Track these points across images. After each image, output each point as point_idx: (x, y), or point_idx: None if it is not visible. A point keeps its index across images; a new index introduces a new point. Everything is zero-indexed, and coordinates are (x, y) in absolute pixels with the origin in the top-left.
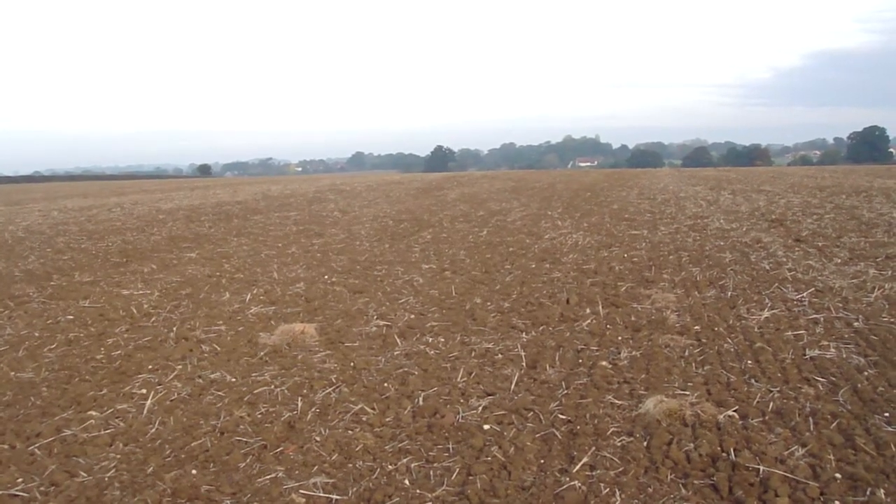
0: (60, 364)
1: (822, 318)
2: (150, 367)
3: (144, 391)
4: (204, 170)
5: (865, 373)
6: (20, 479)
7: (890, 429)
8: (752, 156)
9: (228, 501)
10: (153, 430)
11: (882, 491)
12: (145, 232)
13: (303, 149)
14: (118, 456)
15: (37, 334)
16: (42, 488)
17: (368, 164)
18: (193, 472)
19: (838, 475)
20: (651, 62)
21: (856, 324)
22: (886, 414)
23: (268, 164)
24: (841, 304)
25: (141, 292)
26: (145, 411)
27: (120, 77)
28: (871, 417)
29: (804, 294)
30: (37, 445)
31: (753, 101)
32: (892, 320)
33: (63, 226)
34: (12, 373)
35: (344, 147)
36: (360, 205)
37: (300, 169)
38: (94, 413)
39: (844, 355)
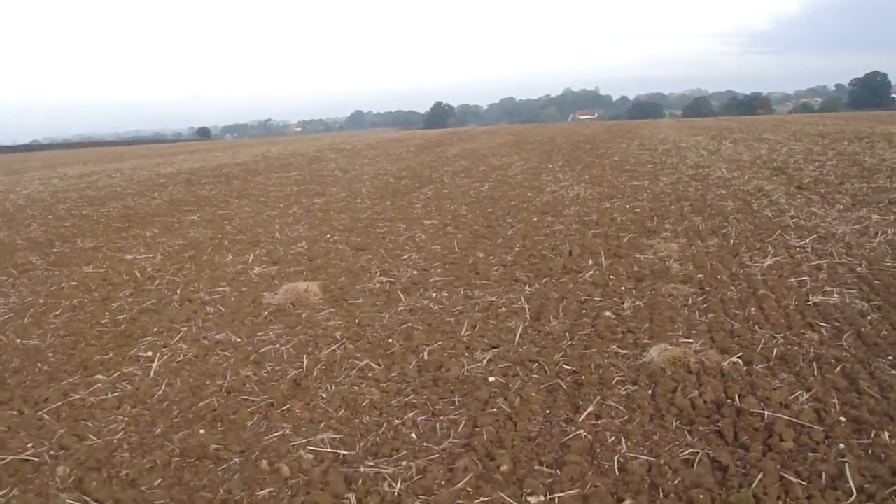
0: (66, 330)
1: (825, 264)
2: (155, 329)
3: (150, 354)
4: (203, 133)
5: (869, 317)
6: (30, 444)
7: (894, 372)
8: (753, 104)
9: (237, 459)
10: (160, 391)
11: (886, 433)
12: (146, 196)
13: (302, 109)
14: (126, 418)
15: (41, 301)
16: (52, 452)
17: (368, 122)
18: (201, 431)
19: (843, 419)
20: (650, 12)
21: (859, 269)
22: (890, 357)
23: (267, 126)
24: (844, 250)
25: (144, 256)
26: (152, 373)
27: (116, 43)
28: (875, 361)
29: (807, 241)
30: (45, 411)
31: (754, 49)
32: (895, 265)
33: (64, 193)
34: (18, 340)
35: (343, 106)
36: (360, 163)
37: (300, 129)
38: (100, 377)
39: (848, 300)
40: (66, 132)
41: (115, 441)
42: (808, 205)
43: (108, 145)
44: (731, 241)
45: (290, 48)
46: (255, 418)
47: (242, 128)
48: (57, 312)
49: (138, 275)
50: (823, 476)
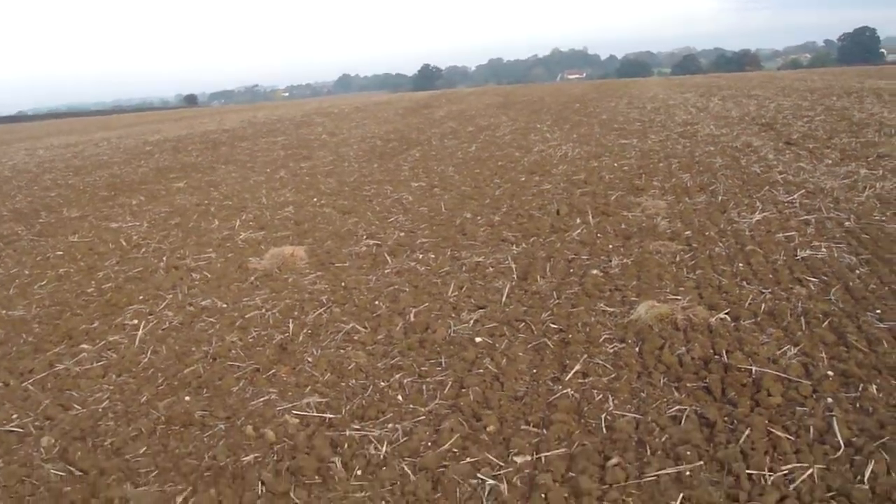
0: (51, 300)
1: (813, 219)
2: (141, 297)
3: (136, 322)
4: (190, 100)
5: (857, 271)
6: (15, 416)
7: (881, 325)
8: (741, 62)
9: (222, 425)
10: (145, 359)
11: (874, 386)
12: (132, 165)
13: (289, 74)
14: (111, 387)
15: (27, 272)
16: (37, 423)
17: (356, 86)
18: (187, 398)
19: (830, 373)
20: None
21: (847, 223)
22: (878, 311)
23: (254, 92)
24: (832, 205)
25: (130, 224)
26: (137, 341)
27: (102, 11)
28: (863, 315)
29: (795, 196)
30: (30, 381)
31: (742, 4)
32: (883, 219)
33: (49, 163)
34: (3, 311)
35: (330, 70)
36: (347, 126)
37: (287, 94)
38: (86, 346)
39: (836, 255)
40: (53, 102)
41: (100, 410)
42: (796, 160)
43: (94, 115)
44: (720, 198)
45: (277, 12)
46: (241, 384)
47: (230, 94)
48: (42, 283)
49: (124, 243)
50: (811, 430)
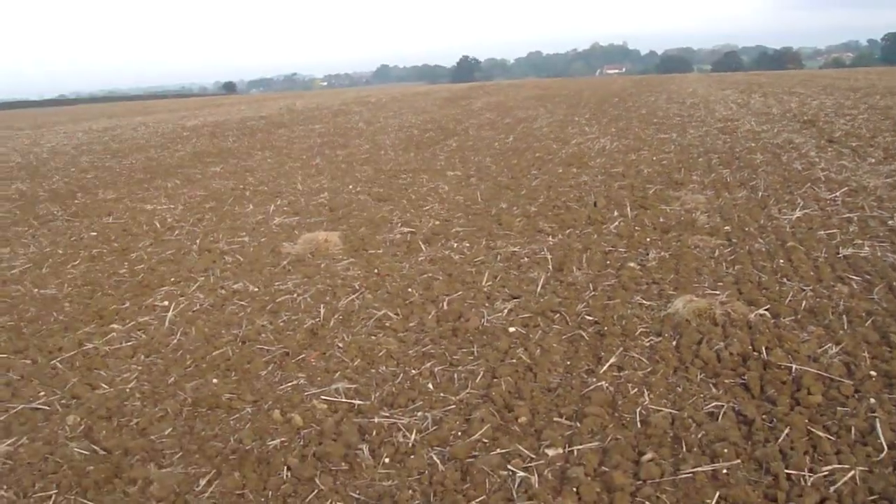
0: (83, 279)
1: (855, 217)
2: (172, 279)
3: (166, 303)
4: (229, 87)
5: None
6: (42, 393)
7: None
8: (783, 60)
9: (249, 409)
10: (175, 341)
11: None
12: (169, 149)
13: (327, 63)
14: (139, 367)
15: (60, 251)
16: (63, 401)
17: (394, 76)
18: (214, 380)
19: (873, 373)
20: None
21: (890, 222)
22: None
23: (293, 80)
24: (875, 203)
25: (164, 207)
26: (167, 323)
27: None
28: None
29: (837, 193)
30: (58, 359)
31: (784, 2)
32: None
33: (87, 146)
34: (35, 289)
35: (369, 60)
36: (385, 116)
37: (325, 83)
38: (116, 326)
39: (879, 253)
40: (93, 88)
41: (127, 390)
42: (838, 158)
43: (133, 100)
44: (760, 194)
45: (318, 1)
46: (270, 368)
47: (268, 82)
48: (75, 263)
49: (158, 225)
50: (853, 431)
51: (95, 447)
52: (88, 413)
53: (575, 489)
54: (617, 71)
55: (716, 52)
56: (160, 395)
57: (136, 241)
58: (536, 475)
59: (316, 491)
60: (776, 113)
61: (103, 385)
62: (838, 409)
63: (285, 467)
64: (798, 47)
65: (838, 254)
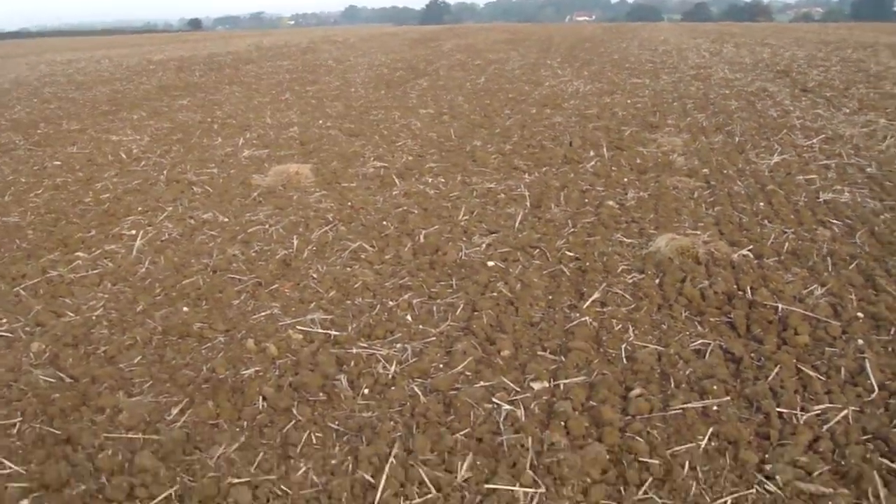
0: (47, 208)
1: (833, 164)
2: (139, 209)
3: (134, 232)
4: (194, 24)
5: (882, 216)
6: (4, 320)
7: None
8: (753, 12)
9: (222, 338)
10: (143, 269)
11: None
12: (134, 82)
13: (295, 2)
14: (106, 295)
15: (23, 180)
16: (27, 328)
17: (362, 17)
18: (185, 309)
19: (860, 314)
20: None
21: (869, 170)
22: None
23: (259, 19)
24: (853, 151)
25: (130, 138)
26: (134, 251)
27: None
28: (892, 259)
29: (814, 140)
30: (22, 286)
31: None
32: None
33: (50, 77)
34: None
35: (337, 0)
36: (354, 55)
37: (293, 22)
38: (81, 254)
39: (859, 199)
40: (55, 21)
41: (93, 318)
42: (813, 107)
43: (97, 34)
44: (737, 139)
45: None
46: (242, 297)
47: (234, 20)
48: (38, 191)
49: (124, 156)
50: (842, 371)
51: (61, 374)
52: (54, 340)
53: (563, 423)
54: (586, 18)
55: (685, 2)
56: (128, 324)
57: (101, 171)
58: (523, 408)
59: (293, 421)
60: (749, 62)
61: (69, 313)
62: (826, 349)
63: (260, 397)
64: (768, 0)
65: (818, 199)
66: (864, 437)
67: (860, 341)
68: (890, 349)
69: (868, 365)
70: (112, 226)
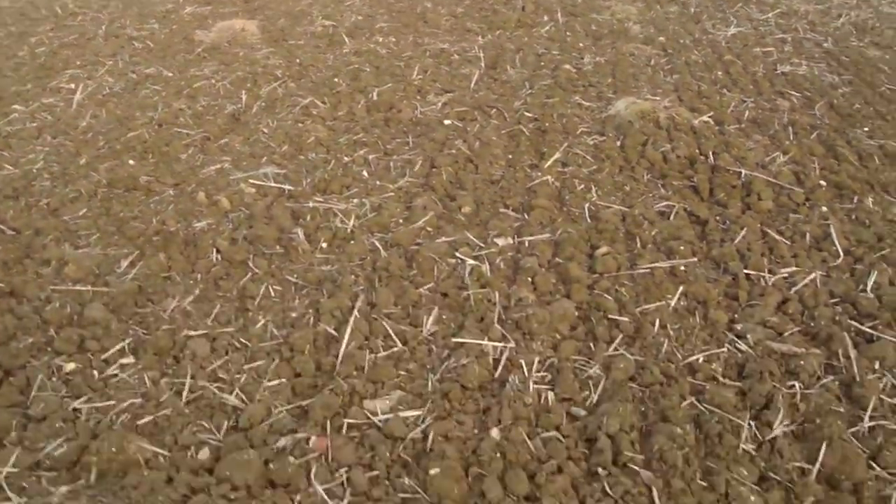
0: None
1: (789, 38)
2: (77, 63)
3: (73, 86)
4: None
5: (840, 90)
6: None
7: (871, 142)
8: None
9: (171, 191)
10: (84, 123)
11: (870, 199)
12: None
13: None
14: (46, 148)
15: None
16: None
17: None
18: (131, 161)
19: (823, 182)
20: None
21: (825, 45)
22: (866, 129)
23: None
24: (808, 27)
25: None
26: (74, 105)
27: None
28: (851, 131)
29: (769, 14)
30: None
31: None
32: (861, 44)
33: None
34: None
35: None
36: None
37: None
38: (17, 107)
39: (817, 73)
40: None
41: (34, 171)
42: None
43: None
44: (692, 10)
45: None
46: (190, 151)
47: None
48: None
49: (59, 10)
50: (807, 237)
51: (2, 227)
52: None
53: (530, 279)
54: None
55: None
56: (71, 176)
57: (35, 25)
58: (488, 264)
59: (250, 274)
60: None
61: (7, 166)
62: (791, 215)
63: (214, 250)
64: None
65: (776, 70)
66: (833, 301)
67: (824, 208)
68: (854, 217)
69: (833, 231)
70: (49, 80)
